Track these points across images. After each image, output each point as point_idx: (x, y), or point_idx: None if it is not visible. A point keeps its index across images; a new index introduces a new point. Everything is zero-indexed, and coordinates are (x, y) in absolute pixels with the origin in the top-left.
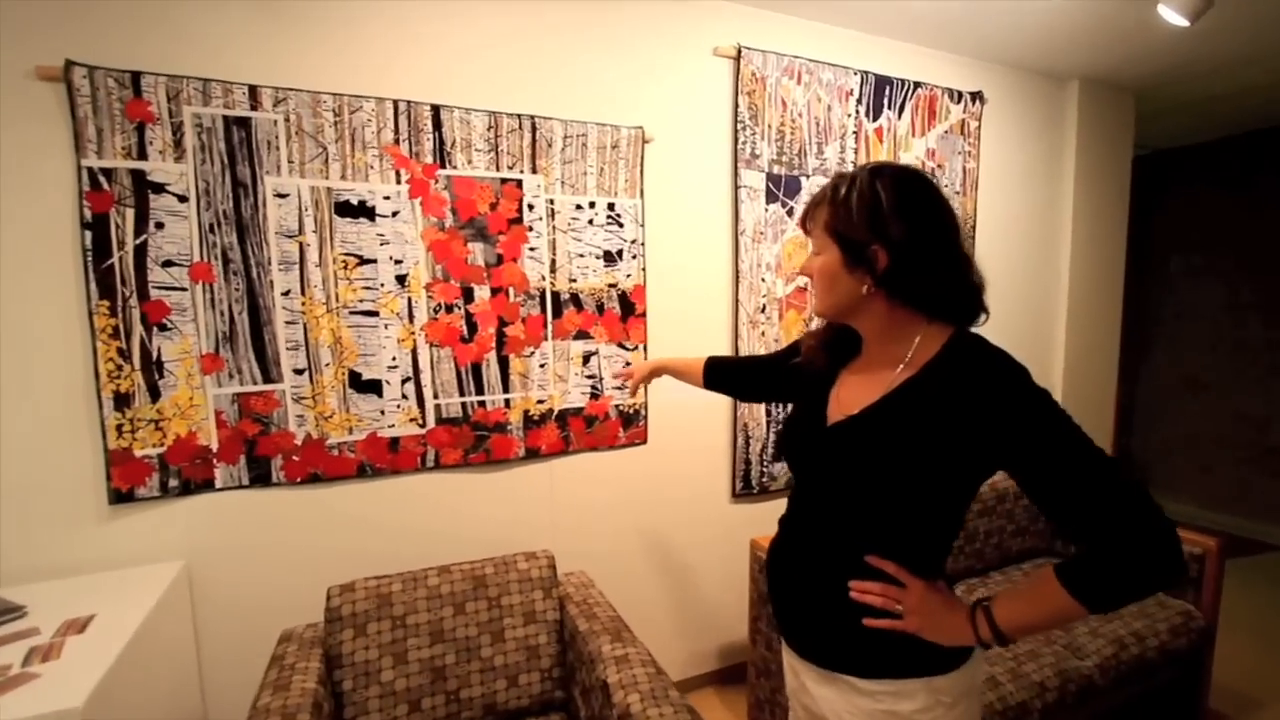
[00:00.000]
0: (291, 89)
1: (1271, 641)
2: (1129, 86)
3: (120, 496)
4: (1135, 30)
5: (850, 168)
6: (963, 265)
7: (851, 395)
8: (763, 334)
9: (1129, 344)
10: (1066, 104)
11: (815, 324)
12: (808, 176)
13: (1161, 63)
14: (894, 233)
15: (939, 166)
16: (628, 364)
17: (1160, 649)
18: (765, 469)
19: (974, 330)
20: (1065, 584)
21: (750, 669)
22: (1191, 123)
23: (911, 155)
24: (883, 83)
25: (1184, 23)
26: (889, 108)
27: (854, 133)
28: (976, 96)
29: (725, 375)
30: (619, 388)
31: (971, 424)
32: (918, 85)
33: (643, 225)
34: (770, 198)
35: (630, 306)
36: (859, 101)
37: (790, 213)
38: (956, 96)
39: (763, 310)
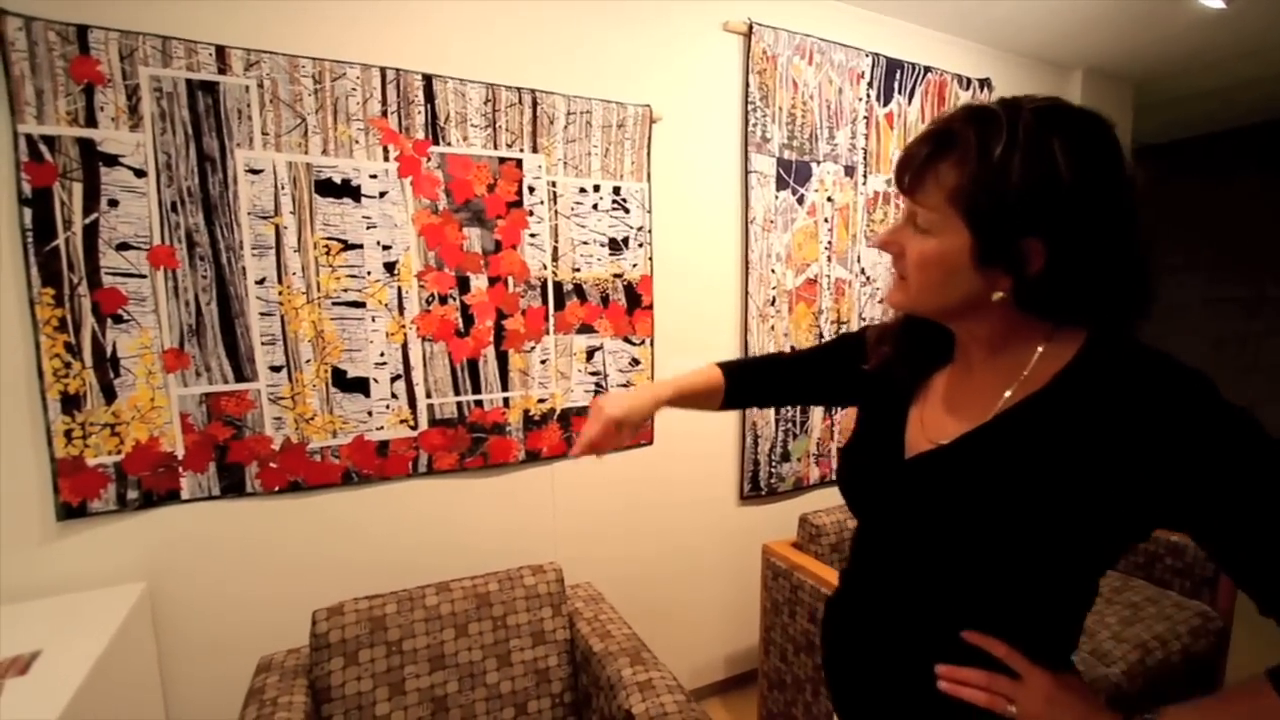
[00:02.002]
0: (265, 51)
1: (1275, 638)
2: (1129, 78)
3: (70, 511)
4: (1144, 18)
5: (859, 155)
6: (1141, 257)
7: (941, 417)
8: (772, 328)
9: None
10: (1070, 94)
11: (886, 314)
12: (818, 163)
13: (1166, 53)
14: (1069, 222)
15: None
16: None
17: (1183, 652)
18: (774, 469)
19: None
20: None
21: (762, 680)
22: (1180, 118)
23: None
24: (894, 66)
25: (1220, 4)
26: (899, 92)
27: (865, 117)
28: (985, 84)
29: (756, 382)
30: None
31: (1131, 457)
32: (928, 70)
33: (650, 211)
34: (780, 184)
35: (636, 298)
36: (870, 85)
37: (801, 201)
38: (965, 83)
39: (772, 303)
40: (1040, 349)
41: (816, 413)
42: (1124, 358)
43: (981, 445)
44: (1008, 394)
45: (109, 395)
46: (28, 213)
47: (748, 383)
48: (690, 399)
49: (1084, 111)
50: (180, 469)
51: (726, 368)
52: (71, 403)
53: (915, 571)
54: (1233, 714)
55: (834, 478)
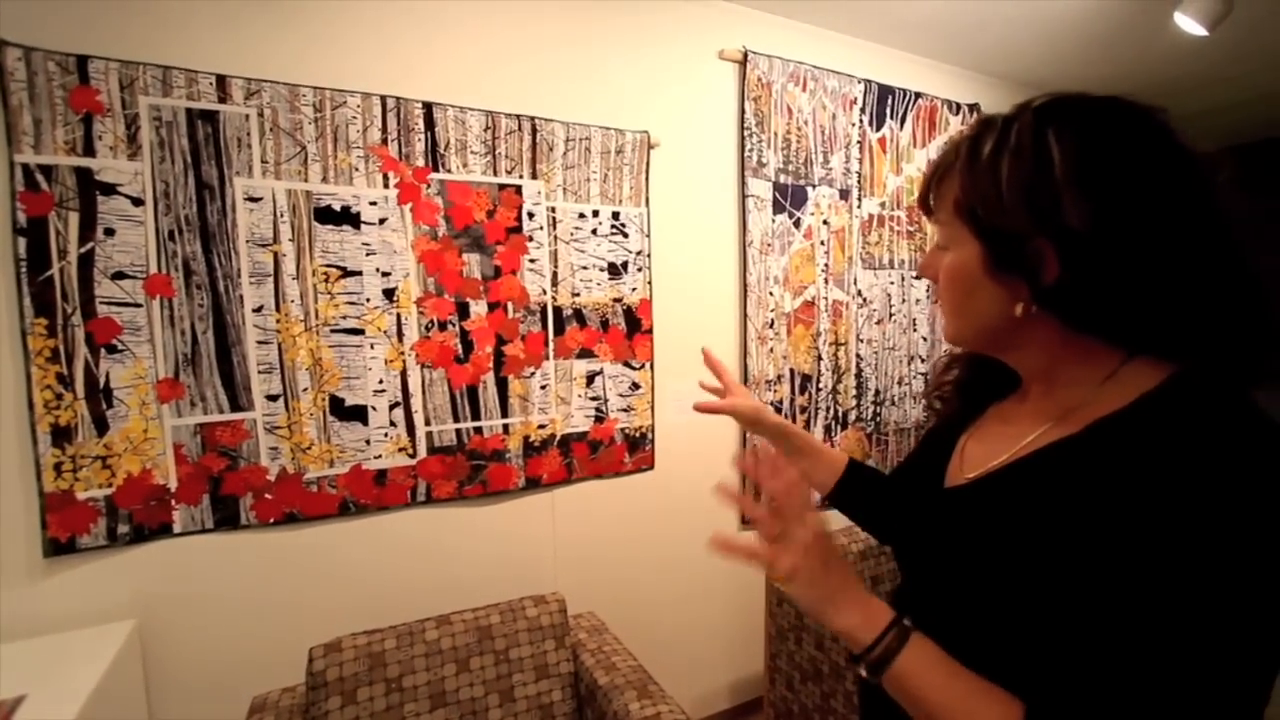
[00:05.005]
0: (266, 80)
1: None
2: None
3: (59, 547)
4: (1126, 44)
5: (854, 178)
6: (1215, 262)
7: (982, 449)
8: (771, 350)
9: None
10: None
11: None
12: (814, 186)
13: (1148, 78)
14: (1072, 218)
15: None
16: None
17: None
18: None
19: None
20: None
21: (768, 709)
22: None
23: (914, 166)
24: (885, 92)
25: (1202, 31)
26: (891, 117)
27: (858, 142)
28: (973, 109)
29: (876, 487)
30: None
31: (1121, 537)
32: (918, 95)
33: (648, 236)
34: (777, 208)
35: (636, 322)
36: (862, 110)
37: (797, 224)
38: (955, 108)
39: (771, 325)
40: (1103, 384)
41: (818, 432)
42: (1194, 407)
43: (988, 491)
44: (1032, 435)
45: (101, 427)
46: (22, 242)
47: (867, 482)
48: (797, 450)
49: (1102, 99)
50: (173, 502)
51: (853, 459)
52: (62, 435)
53: (949, 619)
54: (964, 684)
55: None
